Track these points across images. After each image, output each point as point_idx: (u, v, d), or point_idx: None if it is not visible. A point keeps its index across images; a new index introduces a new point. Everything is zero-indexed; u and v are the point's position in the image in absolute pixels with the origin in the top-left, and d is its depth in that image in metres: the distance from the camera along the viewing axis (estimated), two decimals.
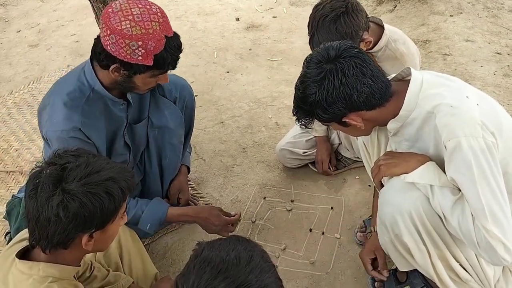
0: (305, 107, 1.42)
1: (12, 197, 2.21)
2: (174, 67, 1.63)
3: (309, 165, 2.43)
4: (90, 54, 1.67)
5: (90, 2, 2.29)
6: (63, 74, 3.43)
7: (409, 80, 1.41)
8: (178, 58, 1.62)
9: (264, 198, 2.31)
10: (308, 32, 1.88)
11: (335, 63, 1.35)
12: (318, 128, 2.31)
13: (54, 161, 1.16)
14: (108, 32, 1.51)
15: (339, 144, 2.38)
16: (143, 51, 1.52)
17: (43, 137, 1.78)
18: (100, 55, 1.59)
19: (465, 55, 3.04)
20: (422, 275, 1.71)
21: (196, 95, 2.66)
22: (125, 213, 1.29)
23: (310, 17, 1.87)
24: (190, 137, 2.24)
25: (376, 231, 1.73)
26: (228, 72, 3.29)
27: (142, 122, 1.93)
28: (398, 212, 1.42)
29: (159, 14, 1.55)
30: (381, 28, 1.98)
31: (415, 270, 1.65)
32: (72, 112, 1.63)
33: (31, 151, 2.75)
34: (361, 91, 1.35)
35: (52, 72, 3.50)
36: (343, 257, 1.99)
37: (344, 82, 1.34)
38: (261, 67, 3.33)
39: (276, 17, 3.95)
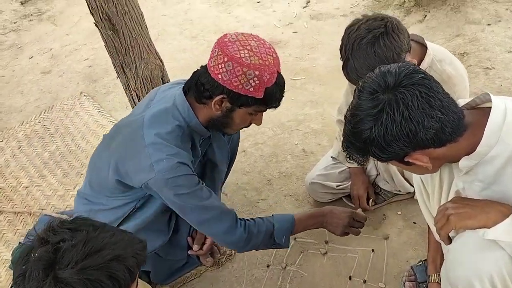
0: (358, 143, 1.19)
1: (18, 244, 2.07)
2: (277, 106, 1.60)
3: (343, 199, 2.19)
4: (184, 88, 1.62)
5: (99, 29, 2.12)
6: (75, 102, 3.30)
7: (487, 108, 1.17)
8: (282, 97, 1.58)
9: (295, 238, 2.06)
10: (341, 57, 1.64)
11: (395, 92, 1.11)
12: None
13: (46, 238, 0.95)
14: (225, 59, 1.47)
15: (377, 175, 2.13)
16: (257, 81, 1.48)
17: (121, 183, 1.65)
18: (203, 86, 1.54)
19: (509, 69, 2.75)
20: None
21: None
22: None
23: (342, 40, 1.64)
24: (228, 174, 2.07)
25: (437, 281, 1.50)
26: None
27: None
28: (476, 276, 1.17)
29: (272, 49, 1.54)
30: (424, 47, 1.74)
31: None
32: (179, 150, 1.58)
33: (41, 189, 2.58)
34: (428, 126, 1.10)
35: (65, 100, 3.34)
36: None
37: (407, 116, 1.10)
38: None
39: (296, 32, 3.71)
